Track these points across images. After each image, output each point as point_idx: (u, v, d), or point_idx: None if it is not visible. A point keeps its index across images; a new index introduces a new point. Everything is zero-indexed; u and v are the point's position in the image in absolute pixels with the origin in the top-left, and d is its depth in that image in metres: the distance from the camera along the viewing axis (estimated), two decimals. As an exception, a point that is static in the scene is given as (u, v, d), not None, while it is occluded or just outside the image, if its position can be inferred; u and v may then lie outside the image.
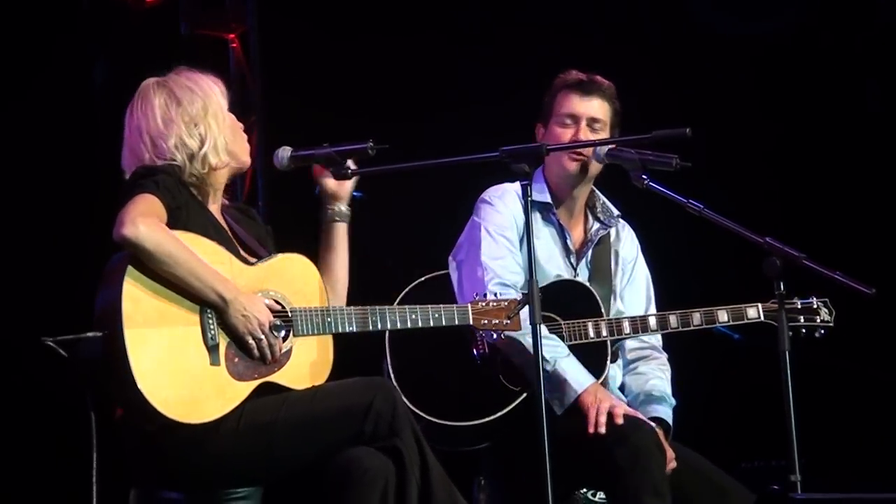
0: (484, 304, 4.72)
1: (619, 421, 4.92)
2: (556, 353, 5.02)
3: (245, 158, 4.64)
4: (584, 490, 5.17)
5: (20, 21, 6.56)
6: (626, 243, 5.45)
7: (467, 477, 5.14)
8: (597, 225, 5.37)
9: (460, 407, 5.00)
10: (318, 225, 4.73)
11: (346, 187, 4.72)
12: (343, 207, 4.72)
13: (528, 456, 4.43)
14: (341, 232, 4.71)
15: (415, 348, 4.98)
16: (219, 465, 4.27)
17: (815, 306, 5.33)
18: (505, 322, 4.72)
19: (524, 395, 5.03)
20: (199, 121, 4.50)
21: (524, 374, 5.01)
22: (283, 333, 4.39)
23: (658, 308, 5.36)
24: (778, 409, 4.76)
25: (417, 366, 5.00)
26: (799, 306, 5.24)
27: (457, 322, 4.68)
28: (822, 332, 5.32)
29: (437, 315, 4.64)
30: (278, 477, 4.35)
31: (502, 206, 5.23)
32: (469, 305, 4.70)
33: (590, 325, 5.16)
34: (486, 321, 4.71)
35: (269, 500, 4.38)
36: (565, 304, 5.17)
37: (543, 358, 4.82)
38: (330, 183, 4.70)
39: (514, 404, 5.02)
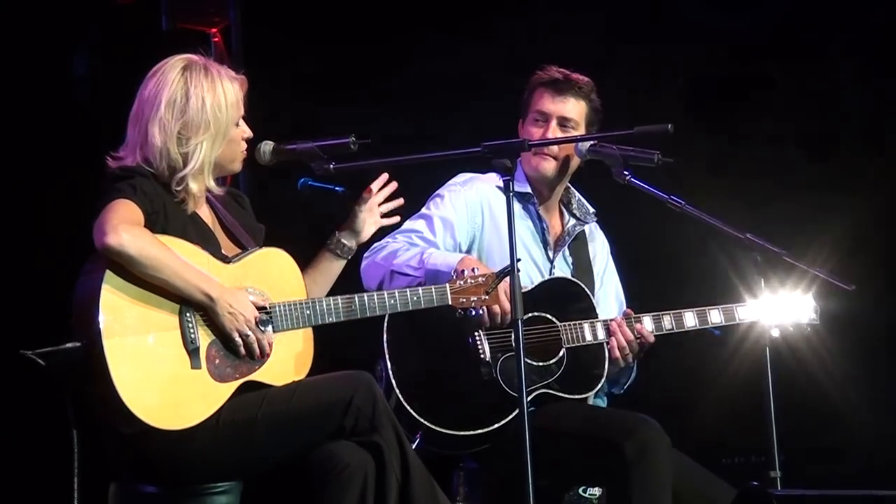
0: (462, 282, 4.71)
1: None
2: (422, 255, 5.00)
3: (232, 168, 4.56)
4: (579, 488, 5.17)
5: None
6: (599, 244, 5.48)
7: (447, 469, 5.13)
8: (573, 220, 5.38)
9: (464, 415, 4.95)
10: (320, 248, 4.70)
11: (368, 229, 4.72)
12: (352, 245, 4.71)
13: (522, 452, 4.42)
14: (336, 268, 4.70)
15: (415, 355, 4.93)
16: (198, 463, 4.26)
17: (801, 304, 5.32)
18: (483, 298, 4.72)
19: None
20: (194, 135, 4.39)
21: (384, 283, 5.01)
22: (269, 329, 4.37)
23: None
24: (758, 405, 4.78)
25: (420, 374, 4.93)
26: (787, 306, 5.23)
27: (436, 303, 4.67)
28: (809, 329, 5.34)
29: (415, 298, 4.63)
30: (258, 472, 4.34)
31: (458, 195, 5.20)
32: (447, 285, 4.69)
33: (586, 326, 5.17)
34: (464, 300, 4.71)
35: (249, 495, 4.37)
36: (559, 304, 5.17)
37: (409, 266, 4.96)
38: (362, 216, 4.68)
39: (515, 413, 4.95)
